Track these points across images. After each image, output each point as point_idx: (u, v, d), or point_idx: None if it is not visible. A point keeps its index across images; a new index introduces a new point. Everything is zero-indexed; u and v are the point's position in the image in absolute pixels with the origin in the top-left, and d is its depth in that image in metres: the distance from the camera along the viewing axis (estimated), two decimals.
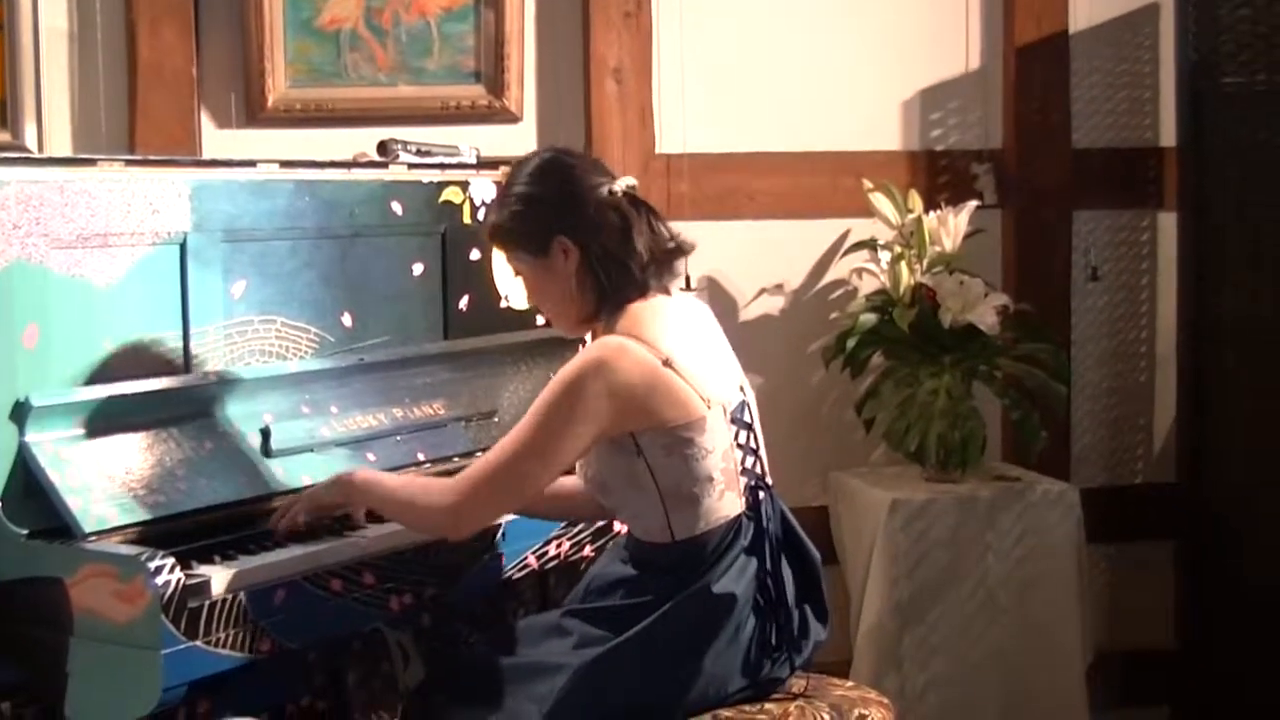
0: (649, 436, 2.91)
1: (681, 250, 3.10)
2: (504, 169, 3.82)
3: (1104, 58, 4.83)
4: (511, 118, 4.44)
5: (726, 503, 2.96)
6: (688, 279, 3.14)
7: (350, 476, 3.03)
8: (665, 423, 2.90)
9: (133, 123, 4.22)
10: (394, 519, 3.05)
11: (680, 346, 2.95)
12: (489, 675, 2.96)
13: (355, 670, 3.49)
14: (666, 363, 2.91)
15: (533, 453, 2.88)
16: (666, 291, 3.08)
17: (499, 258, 3.71)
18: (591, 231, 3.01)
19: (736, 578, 2.93)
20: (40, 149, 4.10)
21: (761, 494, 3.02)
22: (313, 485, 3.06)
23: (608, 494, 3.02)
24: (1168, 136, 4.82)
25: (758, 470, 3.05)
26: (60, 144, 4.17)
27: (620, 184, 3.07)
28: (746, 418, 3.05)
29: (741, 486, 2.99)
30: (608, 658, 2.89)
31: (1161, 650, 4.69)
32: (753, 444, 3.06)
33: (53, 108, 4.17)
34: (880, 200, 4.47)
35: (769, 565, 2.98)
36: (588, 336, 3.48)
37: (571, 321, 3.11)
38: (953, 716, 4.24)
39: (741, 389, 3.08)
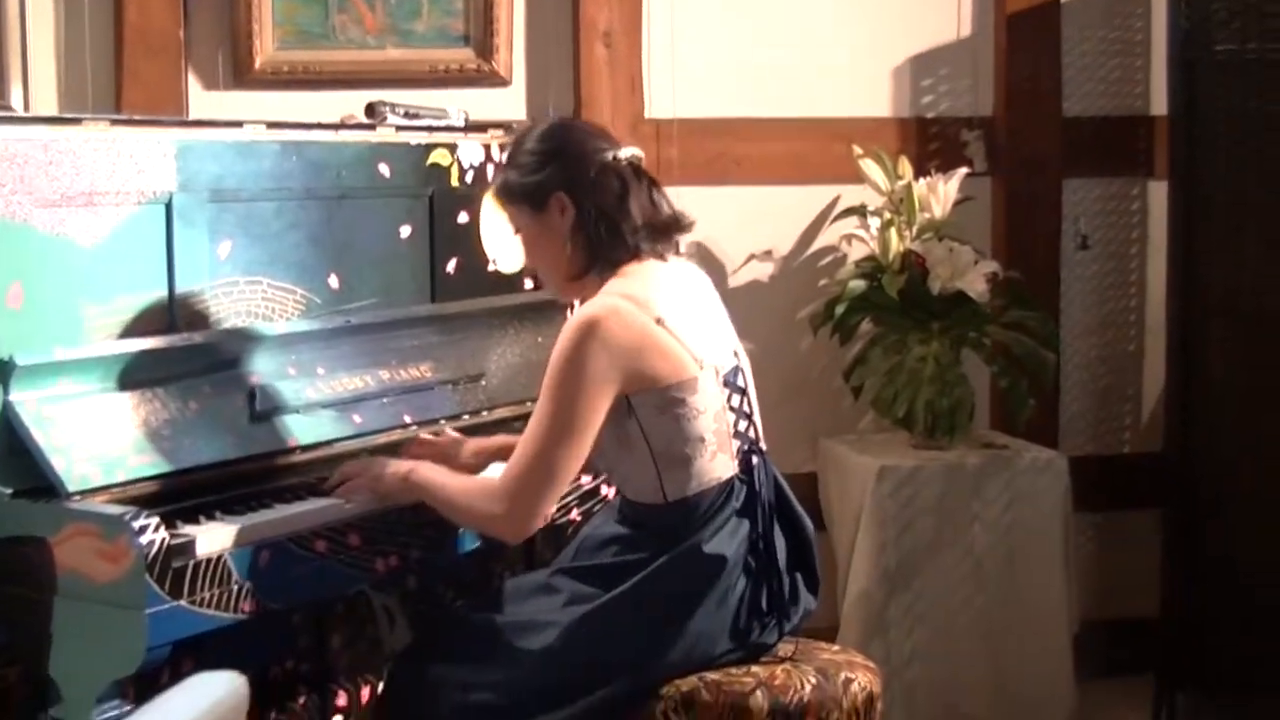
0: (641, 396, 2.91)
1: (679, 224, 3.11)
2: (493, 132, 3.82)
3: (1095, 25, 4.82)
4: (500, 81, 4.42)
5: (719, 464, 2.96)
6: (676, 245, 3.15)
7: (412, 475, 3.02)
8: (657, 381, 2.90)
9: (119, 84, 4.20)
10: (453, 521, 3.06)
11: (672, 307, 2.95)
12: (477, 634, 2.96)
13: (340, 633, 3.49)
14: (658, 322, 2.91)
15: (559, 436, 2.88)
16: (662, 258, 3.08)
17: (487, 221, 3.70)
18: (589, 191, 3.03)
19: (728, 539, 2.94)
20: (26, 111, 4.07)
21: (755, 459, 3.02)
22: (375, 467, 3.06)
23: (600, 456, 3.01)
24: (1159, 105, 4.80)
25: (751, 435, 3.05)
26: (47, 105, 4.15)
27: (625, 152, 3.09)
28: (740, 382, 3.06)
29: (734, 449, 2.99)
30: (597, 614, 2.90)
31: (1147, 619, 4.69)
32: (746, 408, 3.06)
33: (39, 69, 4.14)
34: (870, 166, 4.46)
35: (761, 528, 2.98)
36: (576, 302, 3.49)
37: (562, 279, 3.10)
38: (938, 683, 4.24)
39: (735, 354, 3.08)
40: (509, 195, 3.12)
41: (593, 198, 3.03)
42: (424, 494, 3.02)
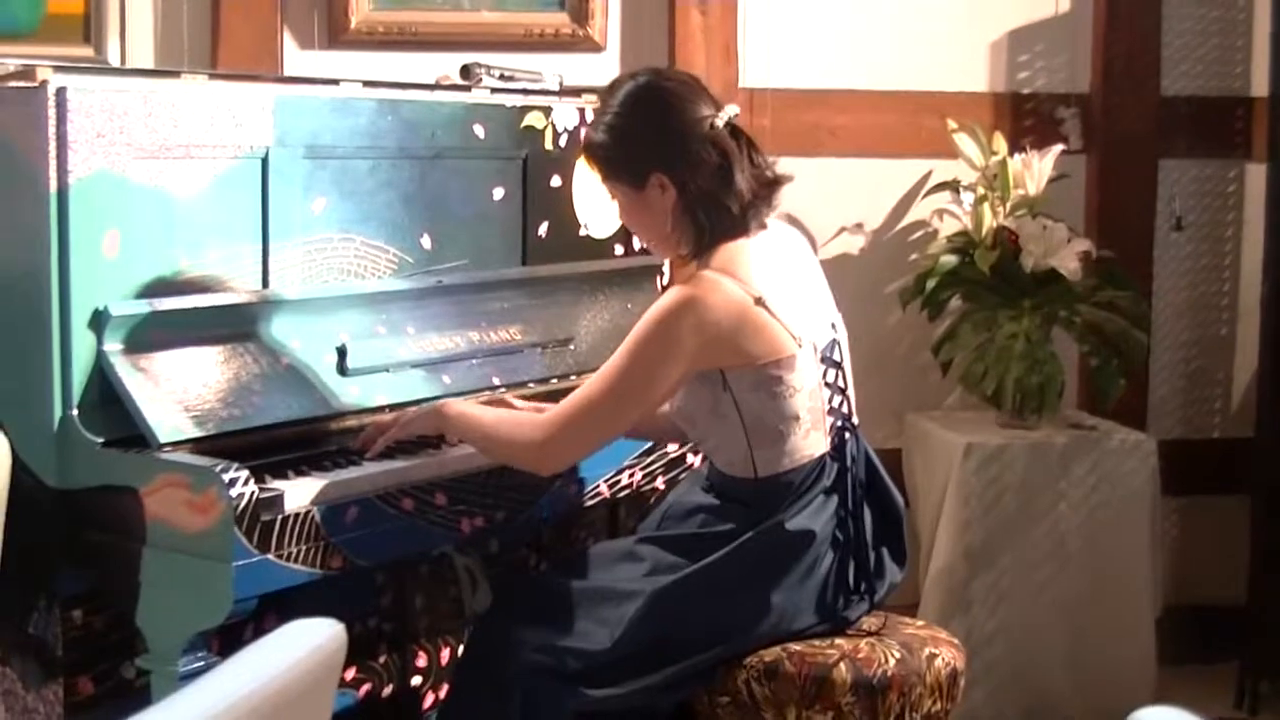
0: (737, 373, 2.87)
1: (779, 182, 3.02)
2: (586, 97, 3.81)
3: (1196, 4, 4.76)
4: (594, 47, 4.41)
5: (811, 442, 2.93)
6: (776, 204, 3.07)
7: (444, 408, 3.00)
8: (754, 360, 2.86)
9: (215, 42, 4.21)
10: (483, 453, 3.02)
11: (772, 285, 2.90)
12: (559, 599, 2.95)
13: (422, 593, 3.49)
14: (759, 301, 2.86)
15: (623, 391, 2.86)
16: (764, 226, 3.01)
17: (580, 185, 3.69)
18: (689, 169, 2.92)
19: (814, 515, 2.91)
20: (123, 66, 4.10)
21: (847, 435, 2.99)
22: (406, 411, 3.04)
23: (692, 424, 3.00)
24: (1259, 86, 4.73)
25: (845, 410, 3.02)
26: (143, 61, 4.16)
27: (723, 116, 2.96)
28: (836, 356, 3.02)
29: (827, 426, 2.96)
30: (679, 586, 2.88)
31: (1232, 606, 4.64)
32: (841, 383, 3.02)
33: (136, 26, 4.16)
34: (964, 141, 4.42)
35: (850, 505, 2.95)
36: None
37: (659, 244, 3.06)
38: (1020, 662, 4.21)
39: (833, 326, 3.04)
40: (601, 163, 3.04)
41: (694, 177, 2.92)
42: (453, 424, 2.99)
